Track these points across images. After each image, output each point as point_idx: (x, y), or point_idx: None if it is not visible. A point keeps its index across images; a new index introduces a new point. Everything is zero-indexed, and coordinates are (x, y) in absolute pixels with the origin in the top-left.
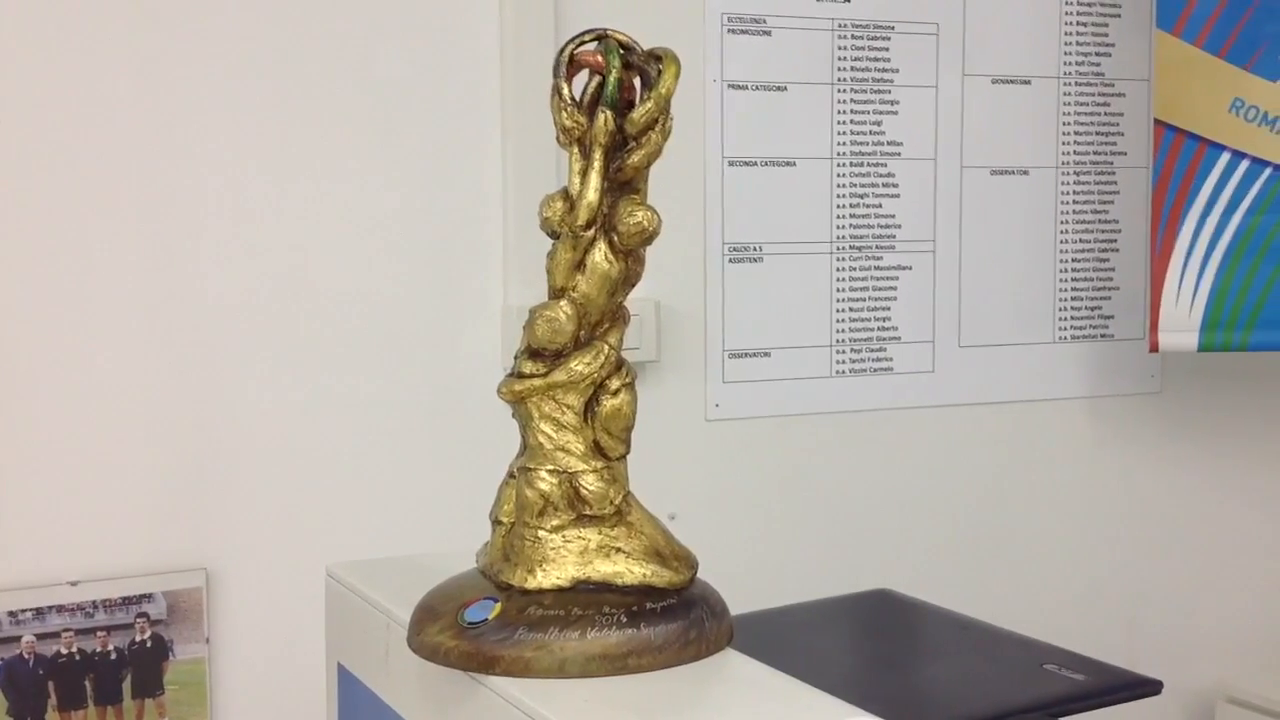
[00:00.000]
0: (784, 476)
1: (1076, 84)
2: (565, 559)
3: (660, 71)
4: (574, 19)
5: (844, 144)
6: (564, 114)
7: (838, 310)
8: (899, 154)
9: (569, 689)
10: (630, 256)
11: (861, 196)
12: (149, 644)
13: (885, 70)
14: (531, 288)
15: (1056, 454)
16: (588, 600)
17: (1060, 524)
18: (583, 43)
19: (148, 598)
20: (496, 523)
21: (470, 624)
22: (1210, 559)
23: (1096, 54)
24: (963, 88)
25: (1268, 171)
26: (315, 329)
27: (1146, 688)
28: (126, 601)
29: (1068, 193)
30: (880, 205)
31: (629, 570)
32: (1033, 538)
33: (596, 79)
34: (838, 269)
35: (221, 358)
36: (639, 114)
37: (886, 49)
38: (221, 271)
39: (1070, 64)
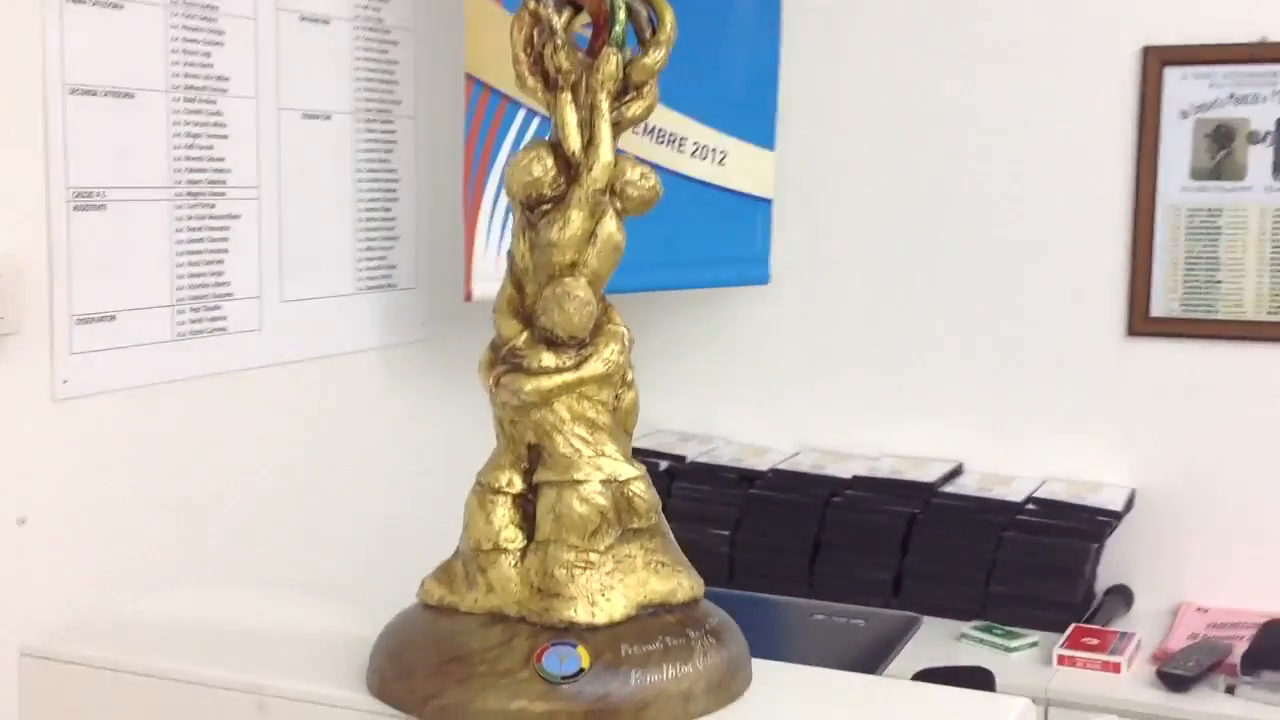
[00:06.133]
0: (135, 461)
1: (365, 28)
2: (625, 583)
3: (659, 16)
4: None
5: (178, 76)
6: (562, 54)
7: (178, 265)
8: (226, 90)
9: None
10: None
11: (195, 137)
12: None
13: None
14: None
15: (358, 406)
16: (667, 627)
17: (364, 477)
18: None
19: None
20: (499, 550)
21: (564, 678)
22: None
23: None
24: (276, 22)
25: None
26: None
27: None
28: None
29: (361, 140)
30: (212, 147)
31: (679, 585)
32: (342, 493)
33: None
34: (177, 218)
35: None
36: (651, 60)
37: None
38: None
39: (359, 6)
